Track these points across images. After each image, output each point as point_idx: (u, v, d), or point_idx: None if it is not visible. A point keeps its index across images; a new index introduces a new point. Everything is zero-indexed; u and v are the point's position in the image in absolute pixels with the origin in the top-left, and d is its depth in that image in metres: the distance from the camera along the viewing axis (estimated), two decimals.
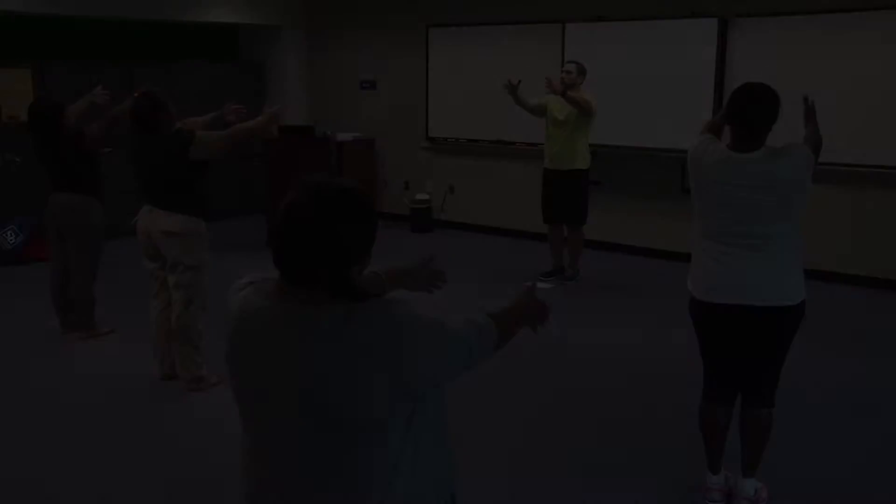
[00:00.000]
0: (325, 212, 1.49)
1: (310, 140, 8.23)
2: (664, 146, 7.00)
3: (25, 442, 3.84)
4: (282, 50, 9.63)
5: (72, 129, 5.03)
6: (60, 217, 5.10)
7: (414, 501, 1.57)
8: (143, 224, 4.35)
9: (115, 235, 8.11)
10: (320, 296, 1.51)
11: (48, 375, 4.66)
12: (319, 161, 8.09)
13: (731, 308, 3.01)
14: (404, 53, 8.89)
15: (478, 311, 1.73)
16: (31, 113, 5.11)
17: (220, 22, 8.88)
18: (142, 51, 8.93)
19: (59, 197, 5.11)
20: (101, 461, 3.65)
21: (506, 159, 8.35)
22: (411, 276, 2.13)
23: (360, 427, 1.49)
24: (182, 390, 4.42)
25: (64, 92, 6.00)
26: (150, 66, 8.58)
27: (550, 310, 1.99)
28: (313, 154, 8.01)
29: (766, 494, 3.28)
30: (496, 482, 3.45)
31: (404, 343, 1.48)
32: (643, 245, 7.55)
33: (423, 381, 1.53)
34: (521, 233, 8.28)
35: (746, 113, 2.90)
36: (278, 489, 1.58)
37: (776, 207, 2.90)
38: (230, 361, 1.63)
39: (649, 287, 6.49)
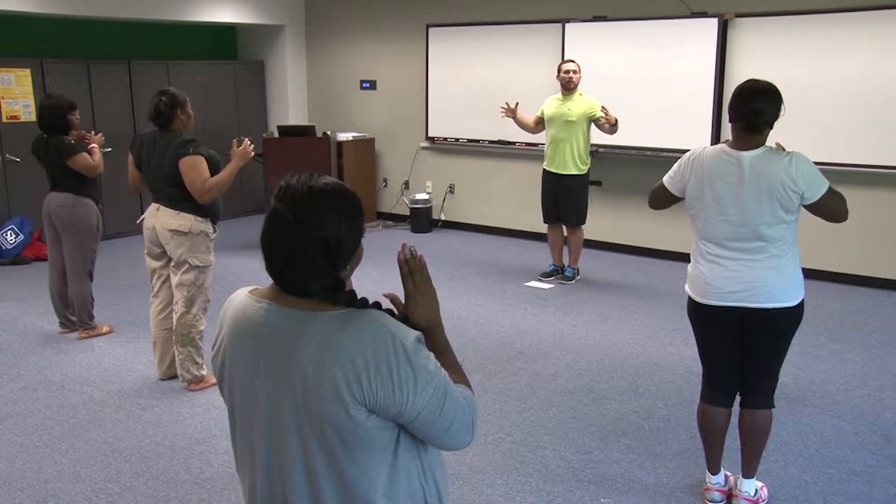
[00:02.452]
0: (305, 220, 1.46)
1: (310, 140, 8.23)
2: (664, 146, 7.00)
3: (24, 440, 3.84)
4: (282, 50, 9.64)
5: (74, 142, 5.05)
6: (56, 216, 5.11)
7: None
8: (150, 222, 4.35)
9: (114, 235, 8.15)
10: (316, 300, 1.50)
11: (47, 374, 4.66)
12: (319, 161, 8.10)
13: (728, 310, 3.01)
14: (404, 53, 8.89)
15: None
16: (43, 106, 5.12)
17: (220, 22, 8.88)
18: (142, 51, 8.93)
19: (56, 196, 5.11)
20: (99, 460, 3.65)
21: (506, 159, 8.35)
22: None
23: (344, 439, 1.46)
24: (182, 390, 4.42)
25: (64, 92, 5.98)
26: (149, 65, 8.59)
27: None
28: (313, 154, 8.02)
29: (766, 494, 3.28)
30: (495, 482, 3.45)
31: (392, 364, 1.43)
32: (643, 245, 7.56)
33: (386, 410, 1.45)
34: (521, 233, 8.29)
35: (748, 108, 2.89)
36: (269, 495, 1.58)
37: (773, 208, 2.89)
38: (222, 365, 1.63)
39: (649, 287, 6.49)
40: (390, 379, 1.43)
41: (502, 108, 6.60)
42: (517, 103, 6.58)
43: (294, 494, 1.52)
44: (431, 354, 1.52)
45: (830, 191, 2.91)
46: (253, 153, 4.42)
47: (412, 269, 1.60)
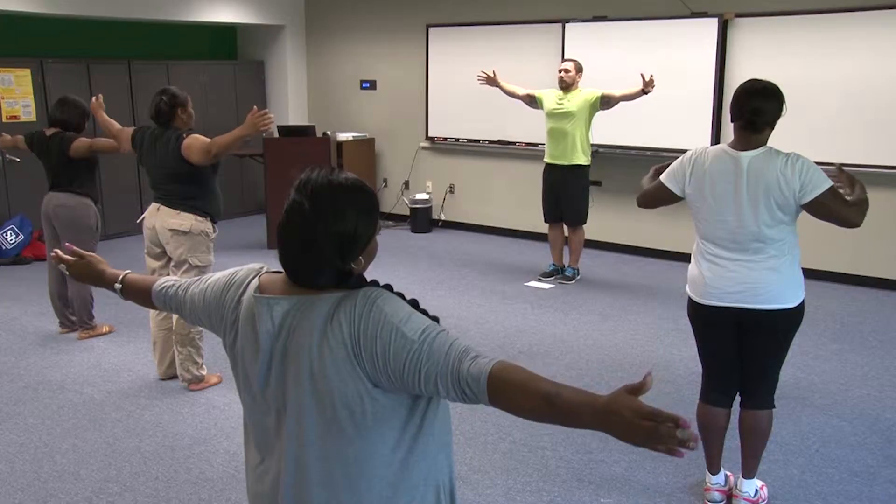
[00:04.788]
0: (322, 213, 1.48)
1: (310, 140, 8.24)
2: (664, 146, 7.00)
3: (24, 440, 3.84)
4: (282, 50, 9.64)
5: (71, 133, 5.09)
6: (55, 216, 5.11)
7: None
8: (150, 221, 4.35)
9: (114, 235, 8.15)
10: (326, 288, 1.52)
11: (47, 374, 4.65)
12: (319, 161, 8.08)
13: (727, 310, 3.00)
14: (404, 53, 8.89)
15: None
16: (66, 100, 5.18)
17: (220, 22, 8.88)
18: (142, 51, 8.93)
19: (55, 196, 5.12)
20: (99, 460, 3.65)
21: (506, 159, 8.35)
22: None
23: (355, 419, 1.48)
24: (182, 390, 4.42)
25: (64, 92, 5.99)
26: (149, 65, 8.59)
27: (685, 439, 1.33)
28: (313, 154, 8.02)
29: (766, 494, 3.28)
30: (495, 482, 3.45)
31: (378, 336, 1.45)
32: (643, 245, 7.56)
33: (388, 382, 1.46)
34: (521, 233, 8.29)
35: (747, 107, 2.89)
36: (276, 481, 1.58)
37: (770, 209, 2.88)
38: (235, 357, 1.65)
39: (649, 287, 6.49)
40: (374, 348, 1.44)
41: (479, 76, 6.62)
42: (494, 70, 6.64)
43: (306, 479, 1.53)
44: (423, 320, 1.48)
45: (832, 192, 2.87)
46: (268, 128, 4.18)
47: (668, 421, 1.36)
